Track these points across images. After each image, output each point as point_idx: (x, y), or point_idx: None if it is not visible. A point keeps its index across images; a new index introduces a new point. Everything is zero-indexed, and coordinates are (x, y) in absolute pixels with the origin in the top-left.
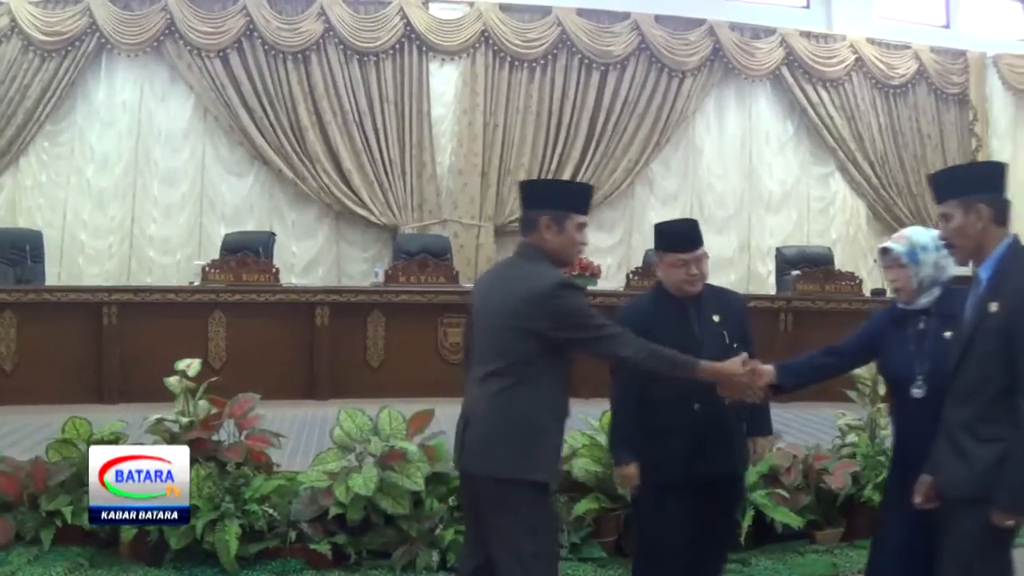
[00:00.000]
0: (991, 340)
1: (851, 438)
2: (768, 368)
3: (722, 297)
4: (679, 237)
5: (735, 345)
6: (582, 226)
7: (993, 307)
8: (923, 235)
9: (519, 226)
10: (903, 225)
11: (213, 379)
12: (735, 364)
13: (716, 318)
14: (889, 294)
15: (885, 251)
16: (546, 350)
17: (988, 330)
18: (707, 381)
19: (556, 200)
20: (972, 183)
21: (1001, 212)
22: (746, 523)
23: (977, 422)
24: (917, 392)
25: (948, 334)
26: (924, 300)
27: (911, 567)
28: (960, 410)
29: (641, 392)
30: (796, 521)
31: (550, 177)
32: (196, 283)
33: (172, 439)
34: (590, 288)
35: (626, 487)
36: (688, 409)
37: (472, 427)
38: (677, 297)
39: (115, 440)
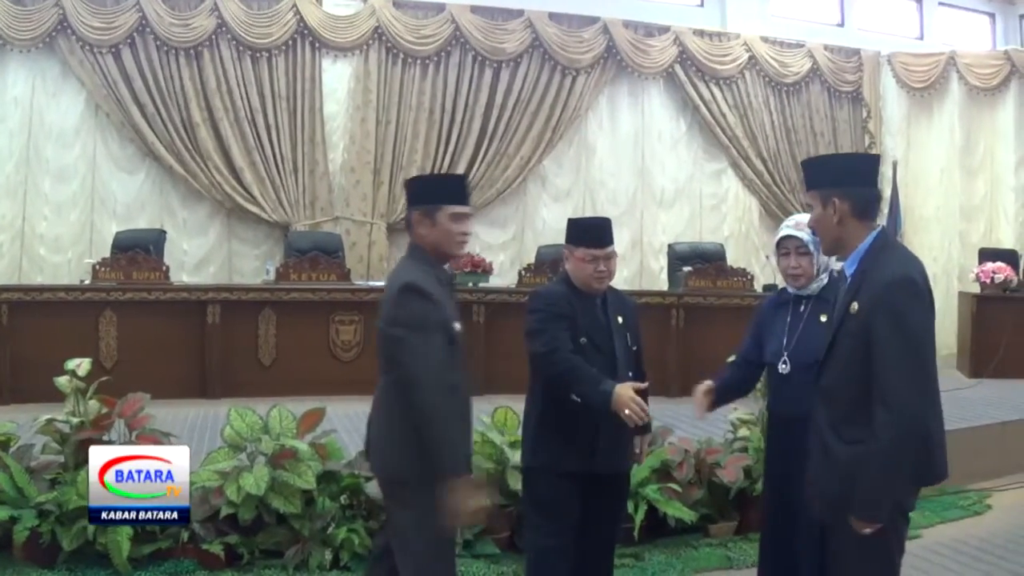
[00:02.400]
0: (852, 340)
1: (743, 432)
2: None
3: (621, 300)
4: (593, 232)
5: (635, 348)
6: (458, 216)
7: (854, 307)
8: None
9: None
10: None
11: (104, 379)
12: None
13: (620, 319)
14: (782, 283)
15: (788, 238)
16: None
17: (849, 331)
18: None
19: (425, 194)
20: (832, 175)
21: (862, 206)
22: (639, 517)
23: (840, 422)
24: (783, 368)
25: (824, 318)
26: (815, 286)
27: (796, 556)
28: (826, 409)
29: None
30: (689, 515)
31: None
32: (87, 282)
33: (63, 439)
34: (482, 284)
35: (638, 411)
36: None
37: (369, 428)
38: (586, 293)
39: (6, 441)
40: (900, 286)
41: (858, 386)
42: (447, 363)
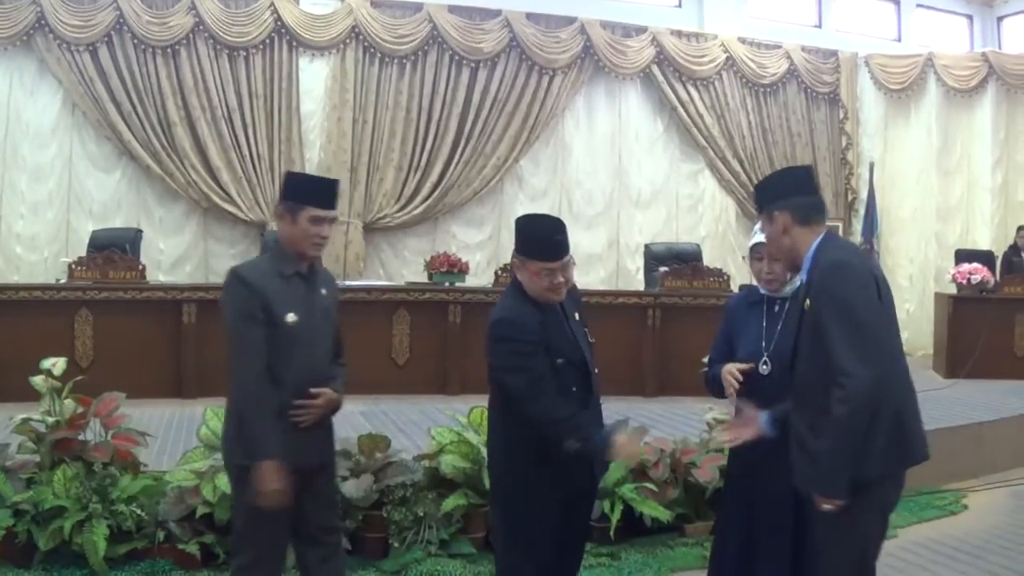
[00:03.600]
0: (809, 337)
1: (718, 432)
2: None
3: (573, 295)
4: (547, 244)
5: (592, 341)
6: (318, 220)
7: (807, 304)
8: None
9: None
10: None
11: (79, 378)
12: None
13: (576, 315)
14: (755, 284)
15: (762, 244)
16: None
17: (807, 328)
18: (593, 390)
19: (294, 191)
20: (770, 193)
21: (803, 213)
22: (615, 517)
23: (814, 418)
24: (764, 369)
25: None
26: (788, 288)
27: (751, 558)
28: (800, 409)
29: None
30: (665, 515)
31: (419, 175)
32: (63, 280)
33: (38, 439)
34: (458, 284)
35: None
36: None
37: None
38: (546, 304)
39: None
40: (832, 269)
41: (823, 378)
42: (262, 351)
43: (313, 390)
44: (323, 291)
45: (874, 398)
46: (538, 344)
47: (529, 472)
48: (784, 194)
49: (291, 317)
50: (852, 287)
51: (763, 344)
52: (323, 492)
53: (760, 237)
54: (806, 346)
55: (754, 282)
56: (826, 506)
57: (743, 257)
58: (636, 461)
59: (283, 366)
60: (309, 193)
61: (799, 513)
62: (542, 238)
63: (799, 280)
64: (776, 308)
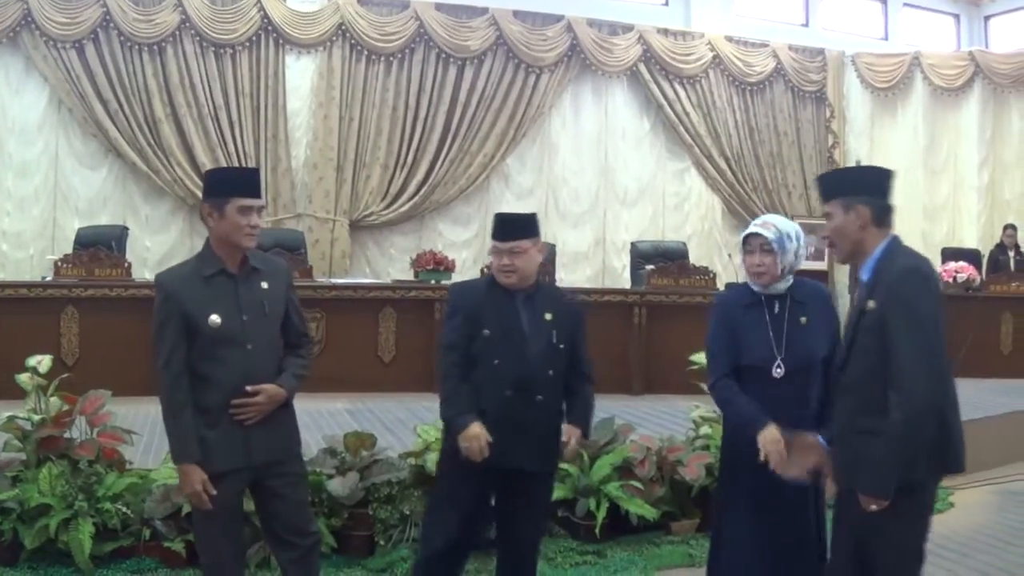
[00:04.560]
0: (869, 335)
1: (705, 430)
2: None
3: (559, 300)
4: (501, 226)
5: (562, 346)
6: (246, 209)
7: (871, 304)
8: (788, 225)
9: None
10: None
11: (65, 375)
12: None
13: (548, 316)
14: (746, 279)
15: (754, 236)
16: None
17: (867, 327)
18: (524, 375)
19: (216, 186)
20: (854, 185)
21: (881, 214)
22: (601, 515)
23: (858, 414)
24: (778, 372)
25: (803, 319)
26: (782, 286)
27: (757, 558)
28: (846, 403)
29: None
30: (651, 513)
31: (405, 172)
32: (49, 278)
33: (24, 437)
34: (444, 282)
35: (477, 449)
36: (499, 395)
37: None
38: (510, 289)
39: None
40: (909, 276)
41: (878, 378)
42: (176, 356)
43: (250, 388)
44: (264, 285)
45: (932, 405)
46: (462, 311)
47: (452, 437)
48: (868, 190)
49: (214, 319)
50: (924, 297)
51: (774, 347)
52: (288, 492)
53: (755, 229)
54: (863, 344)
55: (740, 277)
56: (873, 506)
57: (729, 255)
58: (474, 457)
59: (213, 368)
60: (232, 185)
61: (816, 509)
62: (500, 220)
63: (791, 279)
64: (776, 309)
